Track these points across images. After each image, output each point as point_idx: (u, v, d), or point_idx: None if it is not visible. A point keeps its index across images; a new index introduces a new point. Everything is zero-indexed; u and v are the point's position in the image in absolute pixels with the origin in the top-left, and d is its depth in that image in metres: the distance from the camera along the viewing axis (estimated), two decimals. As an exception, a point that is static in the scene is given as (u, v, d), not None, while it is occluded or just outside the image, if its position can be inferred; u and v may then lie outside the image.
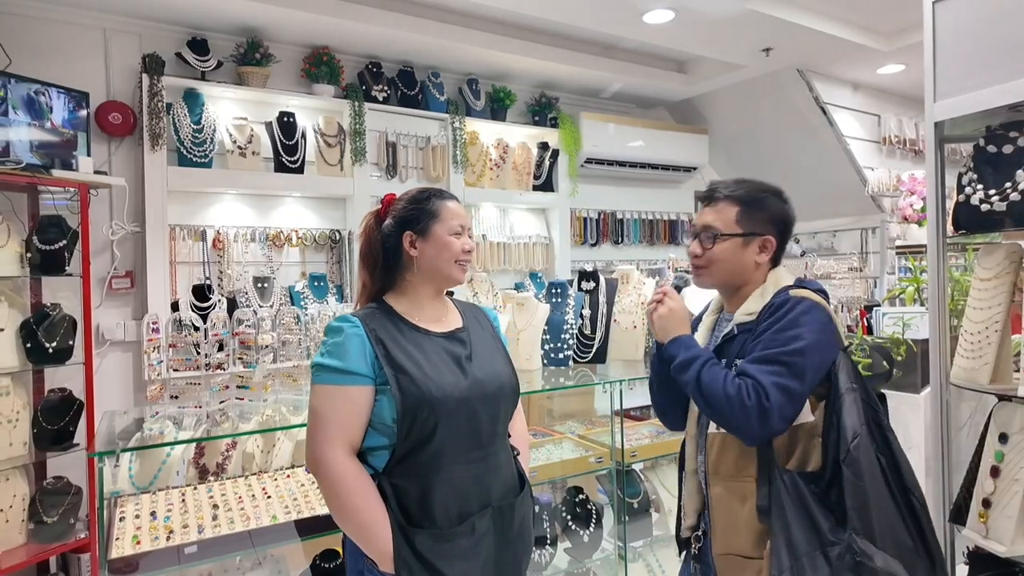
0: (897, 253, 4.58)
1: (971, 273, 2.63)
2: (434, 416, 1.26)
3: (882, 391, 1.45)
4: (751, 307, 1.38)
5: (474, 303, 1.59)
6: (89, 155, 2.96)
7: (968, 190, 1.65)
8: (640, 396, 3.14)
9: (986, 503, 1.62)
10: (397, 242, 1.39)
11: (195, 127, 3.36)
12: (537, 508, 2.28)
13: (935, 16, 1.67)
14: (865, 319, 3.53)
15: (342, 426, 1.25)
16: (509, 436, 1.48)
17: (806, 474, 1.27)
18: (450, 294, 1.56)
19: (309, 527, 1.87)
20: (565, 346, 2.69)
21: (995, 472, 1.61)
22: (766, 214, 1.40)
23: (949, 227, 1.76)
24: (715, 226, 1.39)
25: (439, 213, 1.39)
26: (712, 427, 1.37)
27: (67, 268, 2.69)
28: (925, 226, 4.29)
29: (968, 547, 1.76)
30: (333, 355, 1.27)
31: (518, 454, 1.48)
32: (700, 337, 1.48)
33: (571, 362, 2.71)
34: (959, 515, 1.72)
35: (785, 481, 1.25)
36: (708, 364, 1.32)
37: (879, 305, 3.52)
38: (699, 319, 1.57)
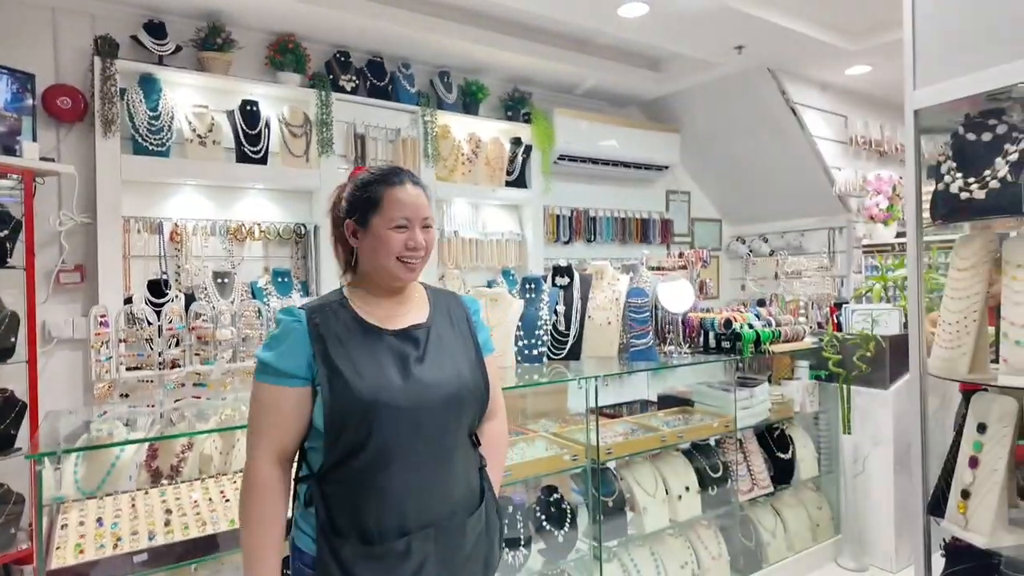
0: (864, 252, 4.66)
1: (934, 271, 2.67)
2: (367, 423, 1.14)
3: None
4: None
5: (454, 292, 1.44)
6: (35, 140, 2.79)
7: (947, 178, 1.63)
8: (614, 393, 3.10)
9: (965, 494, 1.61)
10: (343, 229, 1.28)
11: (151, 114, 3.20)
12: (510, 509, 2.21)
13: (914, 2, 1.65)
14: (835, 316, 3.56)
15: (269, 430, 1.17)
16: (479, 444, 1.33)
17: None
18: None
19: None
20: (539, 343, 2.63)
21: (974, 463, 1.60)
22: None
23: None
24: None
25: (379, 202, 1.22)
26: None
27: (9, 260, 2.53)
28: (890, 226, 4.40)
29: (944, 539, 1.75)
30: (270, 348, 1.19)
31: (484, 465, 1.33)
32: None
33: (545, 359, 2.65)
34: (937, 507, 1.71)
35: None
36: None
37: (847, 303, 3.55)
38: None
